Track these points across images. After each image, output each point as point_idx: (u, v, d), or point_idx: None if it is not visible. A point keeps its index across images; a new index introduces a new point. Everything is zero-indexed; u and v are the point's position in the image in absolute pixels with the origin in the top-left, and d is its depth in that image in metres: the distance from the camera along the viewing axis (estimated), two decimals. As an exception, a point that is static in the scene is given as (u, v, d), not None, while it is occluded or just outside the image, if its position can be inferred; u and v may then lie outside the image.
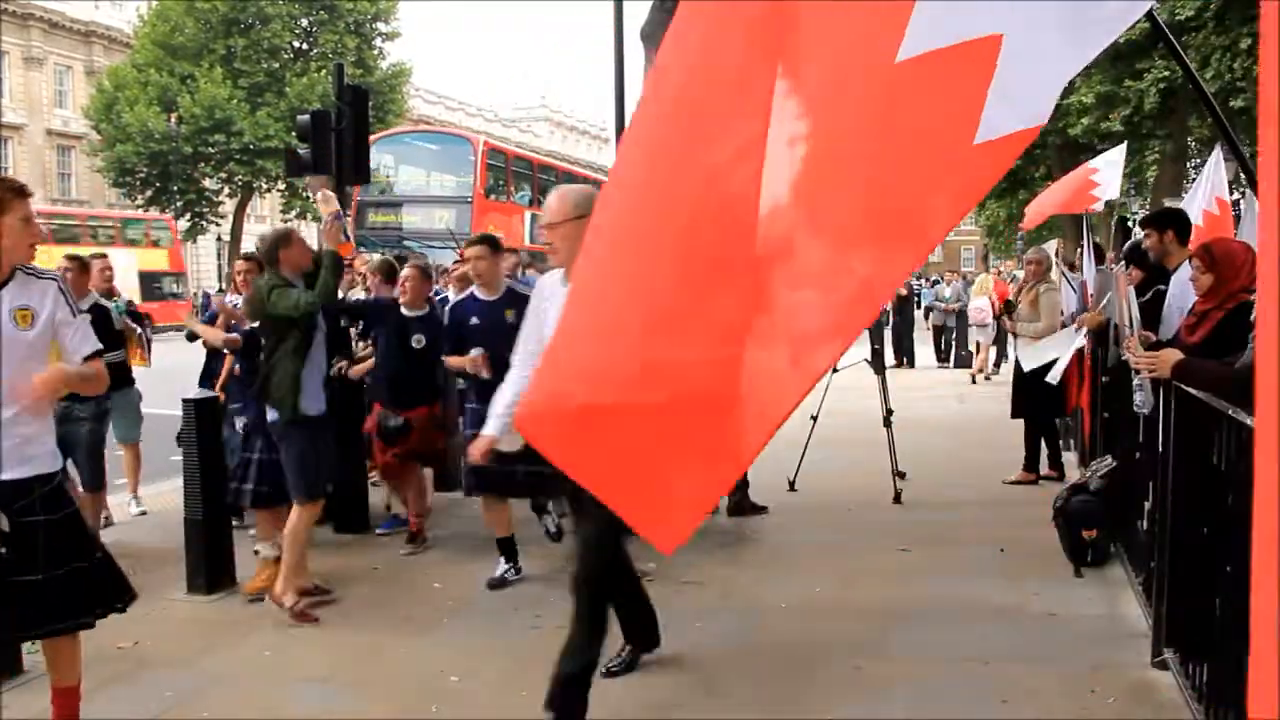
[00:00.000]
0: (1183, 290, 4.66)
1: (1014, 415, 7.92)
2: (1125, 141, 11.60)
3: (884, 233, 2.16)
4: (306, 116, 9.59)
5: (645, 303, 2.30)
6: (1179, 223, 5.48)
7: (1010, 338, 11.18)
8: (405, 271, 6.23)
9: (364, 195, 20.04)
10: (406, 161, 22.61)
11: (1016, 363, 8.14)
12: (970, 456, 8.72)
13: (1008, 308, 8.17)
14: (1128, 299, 4.58)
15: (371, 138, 21.75)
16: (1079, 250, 8.98)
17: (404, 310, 6.04)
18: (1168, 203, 14.28)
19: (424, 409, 6.00)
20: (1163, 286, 5.30)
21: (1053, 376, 6.93)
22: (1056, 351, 7.02)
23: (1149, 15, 2.48)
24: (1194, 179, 8.03)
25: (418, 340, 5.99)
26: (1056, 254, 8.11)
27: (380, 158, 20.79)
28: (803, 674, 4.13)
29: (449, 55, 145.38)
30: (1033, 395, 7.63)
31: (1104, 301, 6.13)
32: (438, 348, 5.77)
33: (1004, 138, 2.22)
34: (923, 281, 26.81)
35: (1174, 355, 3.79)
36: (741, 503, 6.66)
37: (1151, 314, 5.10)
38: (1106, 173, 9.12)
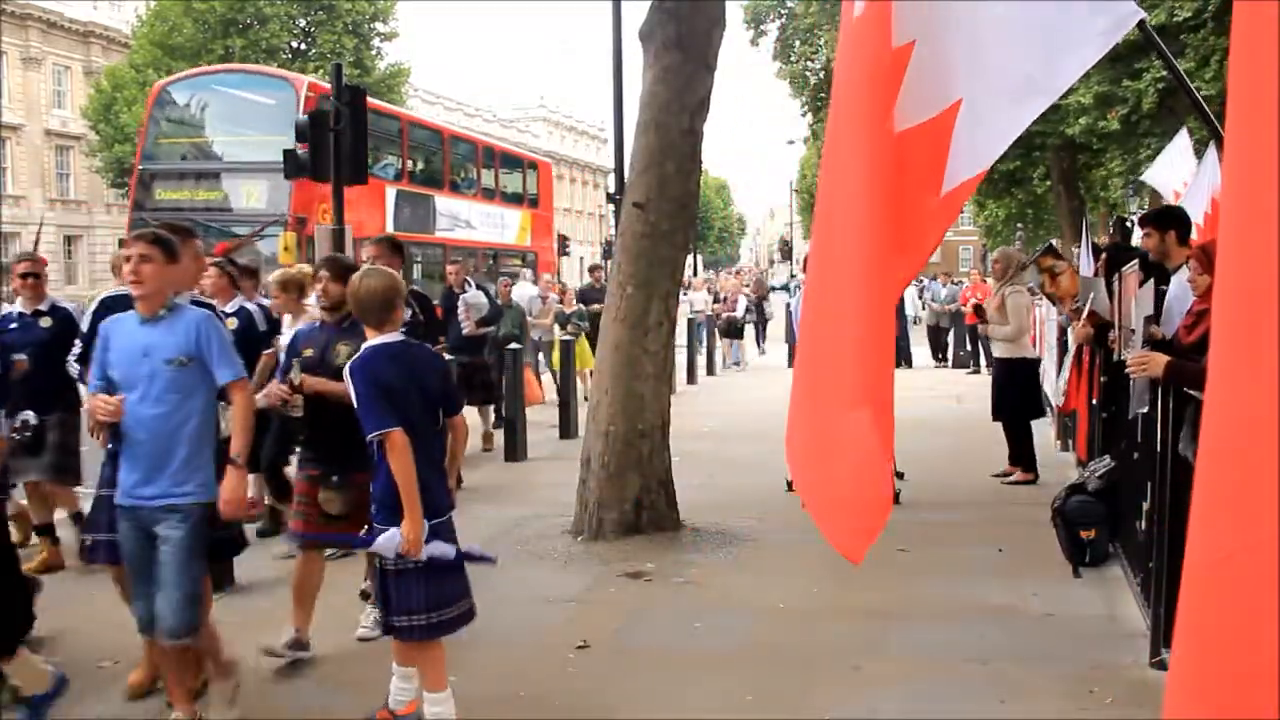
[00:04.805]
0: (1183, 290, 4.67)
1: (995, 418, 7.96)
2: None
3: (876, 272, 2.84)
4: (304, 117, 9.62)
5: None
6: (1180, 223, 5.47)
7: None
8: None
9: (148, 163, 15.24)
10: (213, 114, 15.78)
11: (995, 365, 8.16)
12: (969, 457, 8.71)
13: (977, 312, 8.14)
14: (1137, 300, 4.60)
15: (160, 82, 17.41)
16: (1074, 251, 8.96)
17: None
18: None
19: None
20: (1163, 287, 5.30)
21: (1054, 395, 6.92)
22: (1062, 376, 7.08)
23: (1140, 25, 2.73)
24: (1192, 179, 7.97)
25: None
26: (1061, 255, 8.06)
27: (171, 109, 15.92)
28: (802, 674, 4.13)
29: (448, 56, 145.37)
30: (1010, 397, 7.69)
31: (1086, 310, 6.13)
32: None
33: (959, 186, 2.88)
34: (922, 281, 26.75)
35: (1164, 358, 3.86)
36: None
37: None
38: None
